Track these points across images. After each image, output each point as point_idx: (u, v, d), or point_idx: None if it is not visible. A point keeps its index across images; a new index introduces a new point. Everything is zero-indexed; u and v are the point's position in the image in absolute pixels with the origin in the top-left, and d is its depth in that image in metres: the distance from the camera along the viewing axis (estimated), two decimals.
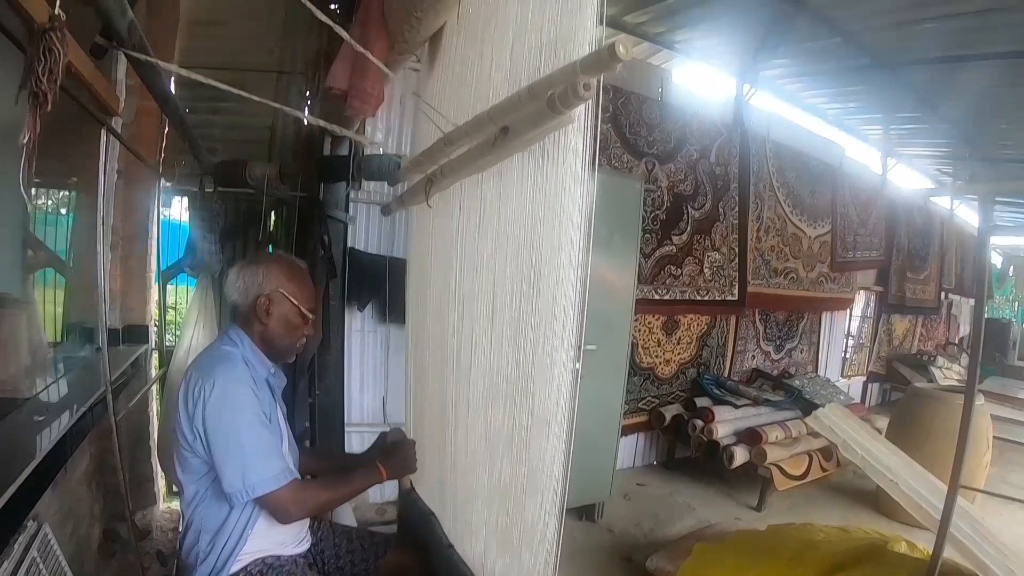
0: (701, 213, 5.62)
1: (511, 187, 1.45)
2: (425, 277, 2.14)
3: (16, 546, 1.85)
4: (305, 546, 2.01)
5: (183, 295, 4.33)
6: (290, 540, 1.93)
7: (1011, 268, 15.76)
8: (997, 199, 9.73)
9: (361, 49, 1.49)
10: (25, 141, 1.15)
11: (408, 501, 2.31)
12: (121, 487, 2.58)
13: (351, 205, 3.46)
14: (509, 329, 1.47)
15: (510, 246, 1.47)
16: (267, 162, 3.29)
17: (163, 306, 4.02)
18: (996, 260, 14.98)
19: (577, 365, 1.26)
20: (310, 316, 1.92)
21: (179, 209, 4.24)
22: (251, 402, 1.72)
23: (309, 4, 1.14)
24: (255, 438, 1.69)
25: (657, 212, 5.26)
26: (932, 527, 2.60)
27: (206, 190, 3.58)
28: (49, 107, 1.15)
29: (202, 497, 1.79)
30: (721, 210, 5.81)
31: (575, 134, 1.19)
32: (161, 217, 3.88)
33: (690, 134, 5.49)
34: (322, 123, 1.83)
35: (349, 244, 3.48)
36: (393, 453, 2.05)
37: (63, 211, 3.02)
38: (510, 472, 1.50)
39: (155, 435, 3.95)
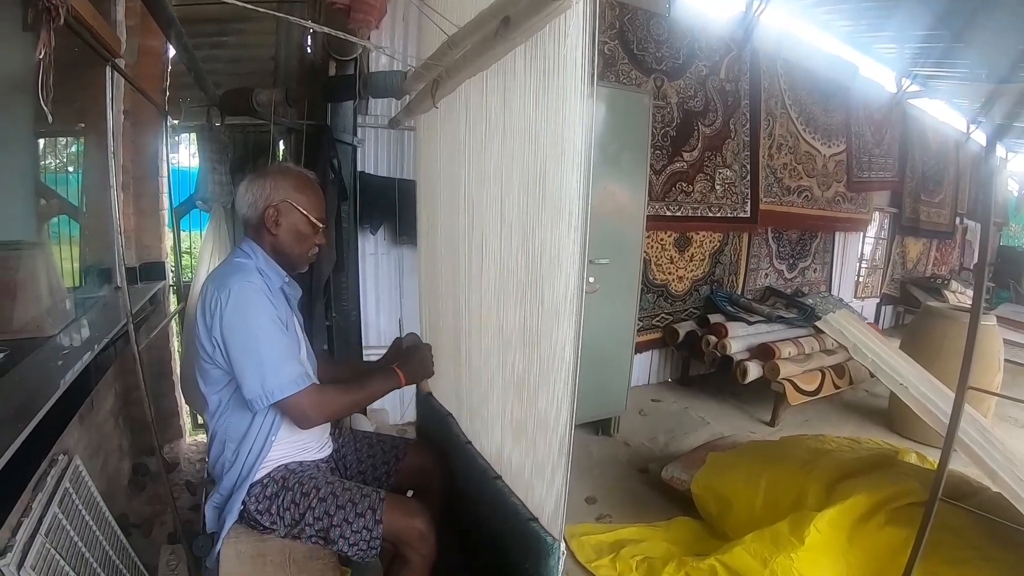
0: (712, 130, 5.56)
1: (516, 89, 1.45)
2: (434, 185, 2.15)
3: (49, 479, 1.93)
4: (327, 451, 2.07)
5: (196, 240, 4.35)
6: (312, 446, 1.99)
7: None
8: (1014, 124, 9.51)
9: None
10: (41, 56, 1.14)
11: (425, 405, 2.36)
12: (147, 416, 2.63)
13: (358, 130, 3.45)
14: (518, 226, 1.49)
15: (516, 146, 1.48)
16: (273, 88, 3.28)
17: (177, 243, 4.05)
18: (1013, 187, 14.74)
19: (591, 279, 1.26)
20: (320, 225, 1.92)
21: (187, 155, 4.23)
22: (267, 309, 1.74)
23: None
24: (272, 344, 1.72)
25: (667, 128, 5.20)
26: (941, 430, 2.61)
27: (214, 123, 3.57)
28: (61, 20, 1.14)
29: (225, 407, 1.84)
30: (732, 127, 5.74)
31: (575, 36, 1.18)
32: (170, 155, 3.88)
33: (699, 50, 5.37)
34: (327, 30, 1.82)
35: (359, 168, 3.47)
36: (410, 358, 2.08)
37: (72, 155, 3.02)
38: (523, 365, 1.53)
39: (177, 370, 4.02)
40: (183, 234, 4.24)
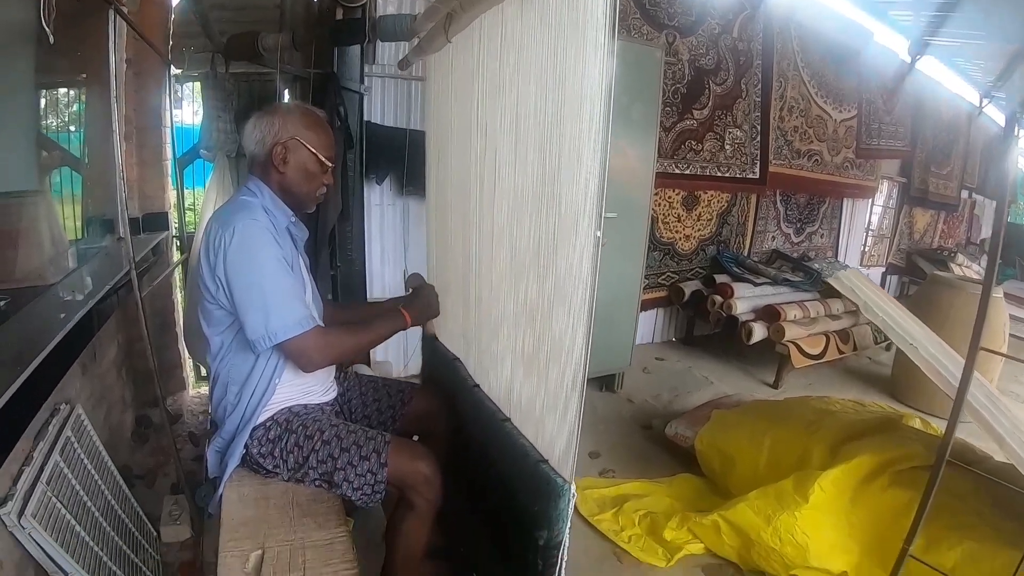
0: (723, 89, 5.47)
1: (533, 18, 1.41)
2: (445, 121, 2.10)
3: (51, 428, 1.91)
4: (332, 395, 2.05)
5: (200, 198, 4.31)
6: (317, 389, 1.97)
7: None
8: None
9: None
10: None
11: (431, 350, 2.34)
12: (151, 365, 2.61)
13: (365, 79, 3.39)
14: (534, 138, 1.44)
15: (533, 66, 1.43)
16: (279, 33, 3.22)
17: (180, 193, 4.02)
18: (1023, 164, 14.51)
19: (598, 233, 1.23)
20: (329, 164, 1.88)
21: (190, 112, 4.17)
22: (272, 248, 1.70)
23: None
24: (277, 284, 1.68)
25: (678, 85, 5.12)
26: (950, 392, 2.59)
27: (218, 70, 3.52)
28: None
29: (228, 349, 1.81)
30: (744, 87, 5.64)
31: None
32: (173, 106, 3.83)
33: (712, 8, 5.26)
34: None
35: (365, 118, 3.42)
36: (415, 298, 2.06)
37: (75, 106, 2.99)
38: (536, 289, 1.49)
39: (180, 321, 4.00)
40: (186, 191, 4.21)
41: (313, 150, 1.83)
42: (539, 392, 1.51)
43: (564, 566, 1.45)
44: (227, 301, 1.71)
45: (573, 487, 1.39)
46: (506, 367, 1.70)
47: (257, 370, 1.80)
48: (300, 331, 1.67)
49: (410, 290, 2.20)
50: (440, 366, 2.21)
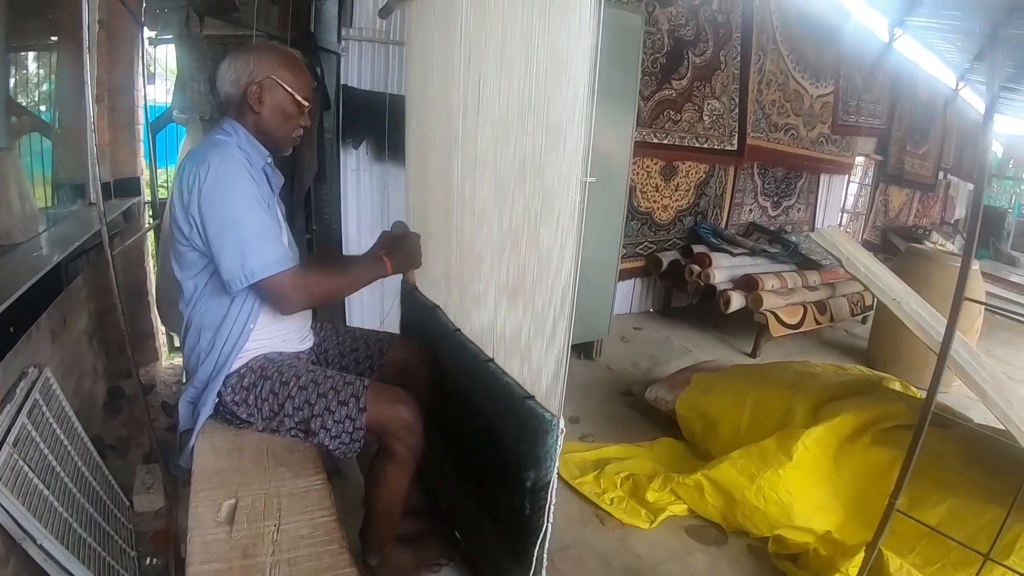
0: (702, 60, 5.44)
1: None
2: (429, 54, 2.04)
3: (18, 391, 1.86)
4: (308, 344, 2.00)
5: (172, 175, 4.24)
6: (293, 336, 1.92)
7: (1011, 161, 15.48)
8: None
9: None
10: None
11: (410, 301, 2.31)
12: (121, 324, 2.55)
13: (343, 42, 3.32)
14: (521, 52, 1.40)
15: None
16: None
17: (153, 158, 3.93)
18: (997, 148, 14.72)
19: (577, 198, 1.20)
20: (305, 104, 1.82)
21: (163, 91, 4.07)
22: (248, 185, 1.65)
23: None
24: (253, 221, 1.63)
25: (657, 55, 5.06)
26: (934, 346, 2.58)
27: (193, 31, 3.44)
28: None
29: (201, 293, 1.76)
30: (722, 59, 5.62)
31: None
32: (146, 68, 3.75)
33: None
34: None
35: (343, 81, 3.36)
36: (398, 247, 2.01)
37: (45, 70, 2.94)
38: (522, 208, 1.46)
39: (153, 291, 3.93)
40: (159, 171, 4.13)
41: (289, 90, 1.77)
42: (525, 320, 1.48)
43: (552, 508, 1.42)
44: (201, 242, 1.65)
45: (561, 421, 1.36)
46: (488, 303, 1.67)
47: (231, 315, 1.75)
48: (278, 270, 1.63)
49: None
50: (419, 315, 2.17)
